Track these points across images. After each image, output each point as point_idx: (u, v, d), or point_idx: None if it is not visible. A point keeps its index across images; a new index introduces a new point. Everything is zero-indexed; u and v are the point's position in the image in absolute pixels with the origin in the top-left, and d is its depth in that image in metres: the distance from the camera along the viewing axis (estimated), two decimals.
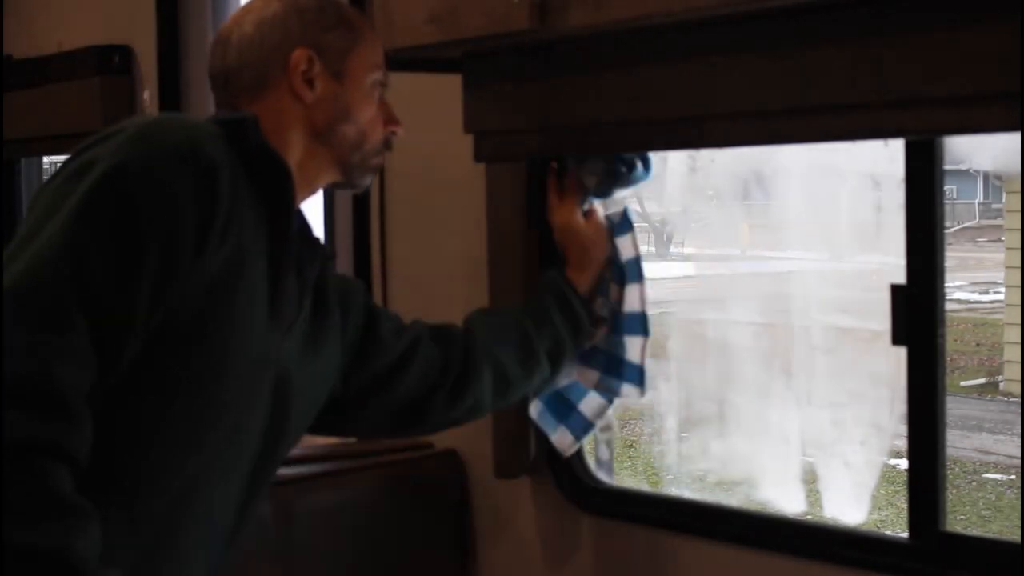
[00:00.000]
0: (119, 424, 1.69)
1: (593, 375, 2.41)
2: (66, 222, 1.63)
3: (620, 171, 2.40)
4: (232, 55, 1.91)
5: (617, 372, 2.39)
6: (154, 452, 1.74)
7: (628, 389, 2.40)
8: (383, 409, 2.17)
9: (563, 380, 2.42)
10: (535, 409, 2.48)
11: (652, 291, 2.42)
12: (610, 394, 2.43)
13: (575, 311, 2.34)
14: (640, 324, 2.38)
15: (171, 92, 3.88)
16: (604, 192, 2.42)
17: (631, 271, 2.39)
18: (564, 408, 2.47)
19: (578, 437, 2.47)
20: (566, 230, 2.42)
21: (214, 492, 1.82)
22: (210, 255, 1.70)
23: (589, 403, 2.45)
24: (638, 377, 2.39)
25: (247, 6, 1.96)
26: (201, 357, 1.74)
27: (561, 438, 2.48)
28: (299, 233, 1.93)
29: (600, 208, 2.45)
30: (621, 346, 2.38)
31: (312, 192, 1.97)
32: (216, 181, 1.71)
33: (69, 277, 1.60)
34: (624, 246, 2.41)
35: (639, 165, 2.41)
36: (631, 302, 2.38)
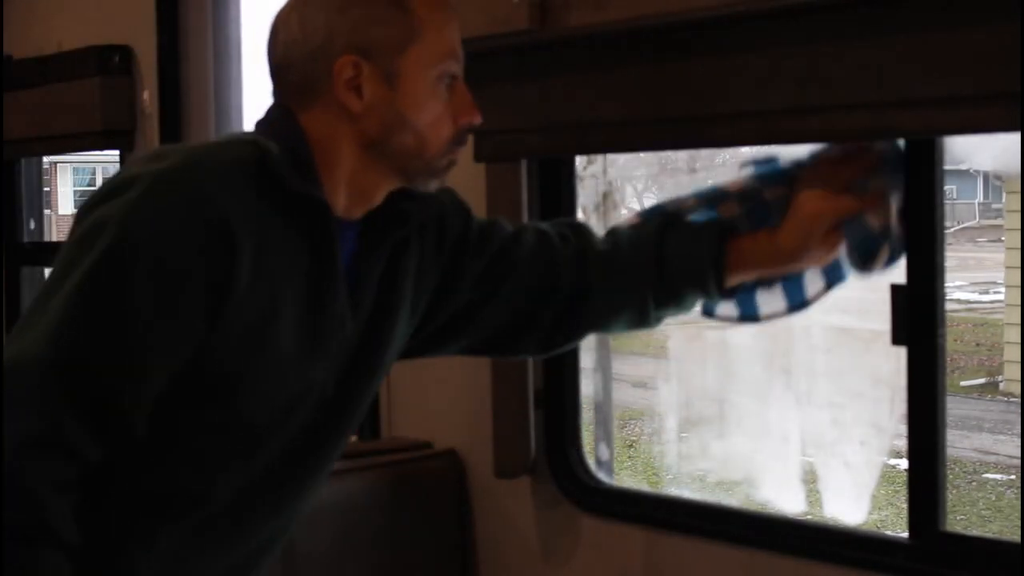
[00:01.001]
0: (155, 455, 1.69)
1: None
2: (67, 304, 1.59)
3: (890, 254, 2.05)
4: (279, 52, 1.74)
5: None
6: (192, 479, 1.73)
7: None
8: (473, 336, 2.02)
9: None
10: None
11: None
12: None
13: (710, 296, 2.04)
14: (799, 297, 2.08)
15: (171, 92, 3.88)
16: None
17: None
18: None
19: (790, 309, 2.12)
20: (811, 221, 2.00)
21: (254, 510, 1.80)
22: (234, 312, 1.64)
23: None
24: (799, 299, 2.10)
25: None
26: (235, 408, 1.71)
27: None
28: (368, 228, 1.80)
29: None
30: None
31: (372, 202, 1.78)
32: (232, 240, 1.61)
33: (63, 367, 1.57)
34: (811, 287, 2.08)
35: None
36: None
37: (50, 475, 1.58)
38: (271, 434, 1.75)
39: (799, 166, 2.06)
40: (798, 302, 2.09)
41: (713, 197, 2.08)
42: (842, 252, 2.03)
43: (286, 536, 1.91)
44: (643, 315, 2.05)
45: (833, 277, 2.07)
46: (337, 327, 1.76)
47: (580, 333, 2.08)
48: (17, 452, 1.55)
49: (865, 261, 2.02)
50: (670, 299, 2.05)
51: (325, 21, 1.70)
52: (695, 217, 2.07)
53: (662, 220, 2.06)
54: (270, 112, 1.78)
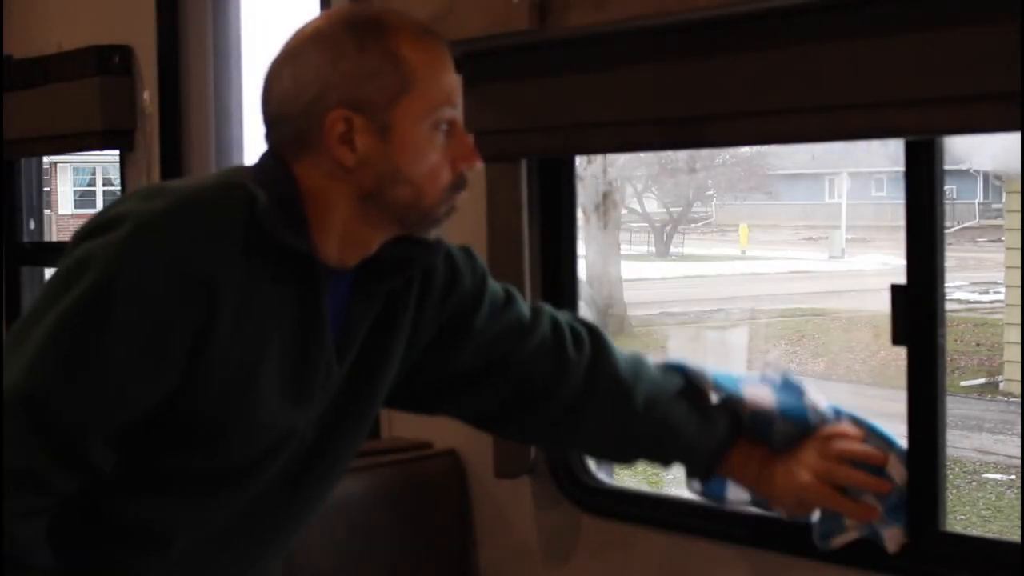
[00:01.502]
0: (120, 482, 1.71)
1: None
2: (46, 340, 1.59)
3: None
4: (273, 104, 1.72)
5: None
6: (166, 517, 1.75)
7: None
8: (472, 403, 2.02)
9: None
10: None
11: (651, 292, 2.41)
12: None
13: (693, 472, 2.13)
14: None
15: (171, 92, 3.88)
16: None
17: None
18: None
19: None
20: (809, 473, 2.06)
21: (230, 549, 1.82)
22: (213, 363, 1.64)
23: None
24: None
25: (292, 40, 1.74)
26: (213, 454, 1.72)
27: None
28: (363, 278, 1.79)
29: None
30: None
31: (367, 252, 1.76)
32: (213, 295, 1.61)
33: (36, 402, 1.59)
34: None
35: None
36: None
37: (20, 507, 1.60)
38: (249, 478, 1.76)
39: (819, 418, 2.11)
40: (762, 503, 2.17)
41: (731, 397, 2.12)
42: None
43: (272, 564, 1.92)
44: (620, 455, 2.13)
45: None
46: (321, 376, 1.76)
47: (559, 444, 2.14)
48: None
49: (824, 538, 2.13)
50: (655, 456, 2.12)
51: (316, 76, 1.68)
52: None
53: (685, 383, 2.09)
54: (264, 160, 1.75)
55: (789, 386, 2.11)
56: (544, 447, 2.10)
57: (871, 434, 2.07)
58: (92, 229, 1.66)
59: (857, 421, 2.10)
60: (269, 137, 1.75)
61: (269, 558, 1.89)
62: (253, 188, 1.67)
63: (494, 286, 1.99)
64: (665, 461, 2.15)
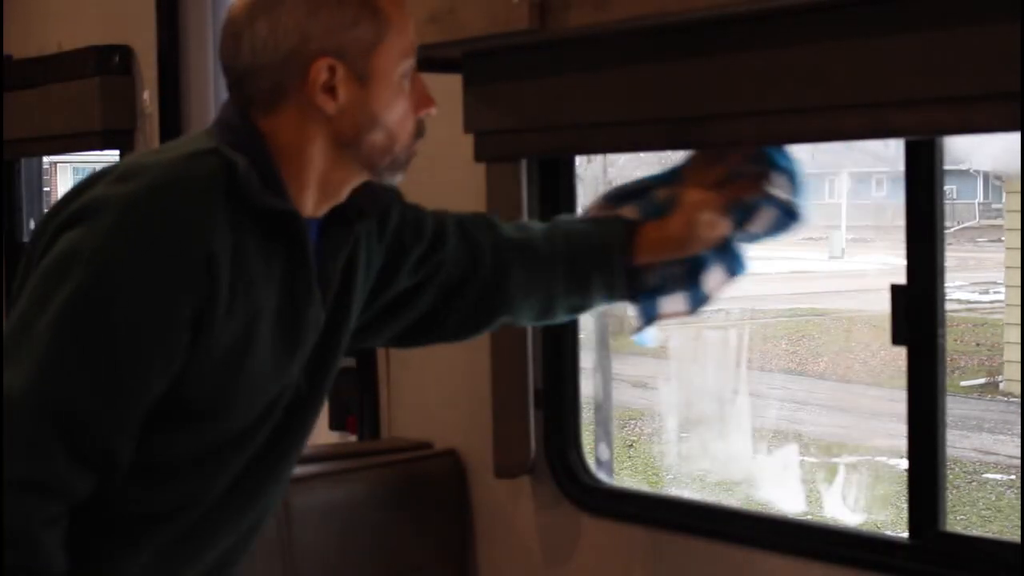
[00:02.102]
0: (140, 475, 1.70)
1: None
2: (49, 341, 1.58)
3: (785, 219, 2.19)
4: (245, 56, 1.72)
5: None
6: (174, 491, 1.74)
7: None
8: (393, 326, 2.05)
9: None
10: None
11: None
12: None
13: (615, 286, 2.14)
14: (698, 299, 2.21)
15: (171, 92, 3.88)
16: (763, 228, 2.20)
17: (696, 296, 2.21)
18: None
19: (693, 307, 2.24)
20: (693, 209, 2.14)
21: (229, 514, 1.81)
22: (216, 334, 1.64)
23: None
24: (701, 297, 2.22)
25: None
26: (216, 421, 1.72)
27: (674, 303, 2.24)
28: (330, 222, 1.82)
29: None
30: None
31: (339, 199, 1.80)
32: (212, 266, 1.61)
33: (49, 407, 1.58)
34: (711, 280, 2.21)
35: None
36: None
37: (41, 514, 1.59)
38: (250, 438, 1.77)
39: (682, 168, 2.22)
40: (700, 297, 2.21)
41: (613, 198, 2.21)
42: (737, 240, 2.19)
43: (263, 525, 1.92)
44: (552, 301, 2.12)
45: (733, 266, 2.21)
46: (312, 328, 1.78)
47: (495, 316, 2.11)
48: (9, 492, 1.56)
49: (743, 223, 2.17)
50: (578, 284, 2.12)
51: (296, 25, 1.69)
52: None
53: (569, 217, 2.21)
54: (229, 117, 1.76)
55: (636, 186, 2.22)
56: (482, 325, 2.12)
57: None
58: (68, 218, 1.64)
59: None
60: (237, 92, 1.76)
61: (260, 519, 1.89)
62: (227, 152, 1.68)
63: (407, 206, 2.05)
64: (587, 283, 2.13)
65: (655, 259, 2.17)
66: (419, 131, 1.82)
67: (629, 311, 2.27)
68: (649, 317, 2.22)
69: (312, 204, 1.77)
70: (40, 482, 1.58)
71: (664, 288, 2.21)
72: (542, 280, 2.11)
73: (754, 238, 2.21)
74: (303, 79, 1.70)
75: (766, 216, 2.17)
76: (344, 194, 1.80)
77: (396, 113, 1.76)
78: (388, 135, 1.76)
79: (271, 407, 1.77)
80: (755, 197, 2.15)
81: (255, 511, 1.85)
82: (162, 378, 1.63)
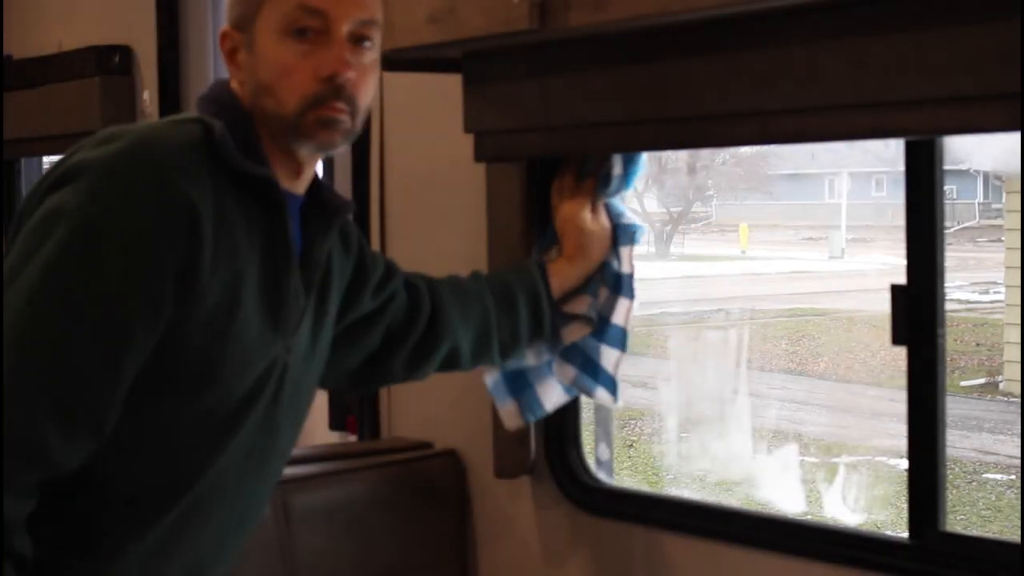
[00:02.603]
0: (121, 444, 1.69)
1: (571, 371, 2.41)
2: (31, 301, 1.58)
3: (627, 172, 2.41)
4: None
5: (593, 374, 2.40)
6: (172, 471, 1.75)
7: (602, 394, 2.40)
8: (348, 361, 2.10)
9: (528, 361, 2.40)
10: (491, 378, 2.44)
11: (651, 292, 2.42)
12: (583, 393, 2.45)
13: (541, 312, 2.31)
14: (620, 339, 2.38)
15: (171, 92, 3.88)
16: (614, 189, 2.41)
17: (626, 285, 2.38)
18: (520, 384, 2.44)
19: (526, 416, 2.45)
20: (570, 221, 2.38)
21: (223, 498, 1.82)
22: (202, 294, 1.66)
23: (548, 389, 2.44)
24: (612, 386, 2.40)
25: None
26: (208, 393, 1.72)
27: (509, 412, 2.45)
28: (310, 204, 1.85)
29: (605, 212, 2.43)
30: (598, 352, 2.38)
31: (300, 168, 1.82)
32: (196, 221, 1.64)
33: (33, 368, 1.57)
34: (624, 257, 2.40)
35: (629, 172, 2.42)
36: (618, 315, 2.37)
37: (18, 483, 1.57)
38: (239, 416, 1.77)
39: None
40: (599, 324, 2.39)
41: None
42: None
43: (263, 508, 1.93)
44: (487, 328, 2.25)
45: (612, 282, 2.39)
46: (292, 302, 1.80)
47: (437, 350, 2.20)
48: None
49: (604, 188, 2.39)
50: (508, 309, 2.27)
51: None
52: None
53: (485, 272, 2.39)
54: (213, 86, 1.86)
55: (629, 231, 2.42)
56: (424, 363, 2.21)
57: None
58: (53, 183, 1.66)
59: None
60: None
61: (251, 519, 1.90)
62: (208, 120, 1.73)
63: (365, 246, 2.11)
64: (515, 309, 2.29)
65: (569, 283, 2.37)
66: (326, 93, 1.75)
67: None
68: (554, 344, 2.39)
69: (284, 176, 1.80)
70: (23, 442, 1.56)
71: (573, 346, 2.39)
72: (475, 309, 2.25)
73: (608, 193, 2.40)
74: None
75: (614, 181, 2.39)
76: (304, 169, 1.82)
77: (275, 72, 1.75)
78: (274, 100, 1.75)
79: (259, 384, 1.77)
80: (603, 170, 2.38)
81: (243, 501, 1.85)
82: (148, 332, 1.63)
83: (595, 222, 2.39)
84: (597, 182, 2.40)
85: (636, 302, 2.38)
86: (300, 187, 1.84)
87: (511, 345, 2.30)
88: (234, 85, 1.82)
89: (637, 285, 2.39)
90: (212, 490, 1.78)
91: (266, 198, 1.74)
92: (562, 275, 2.36)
